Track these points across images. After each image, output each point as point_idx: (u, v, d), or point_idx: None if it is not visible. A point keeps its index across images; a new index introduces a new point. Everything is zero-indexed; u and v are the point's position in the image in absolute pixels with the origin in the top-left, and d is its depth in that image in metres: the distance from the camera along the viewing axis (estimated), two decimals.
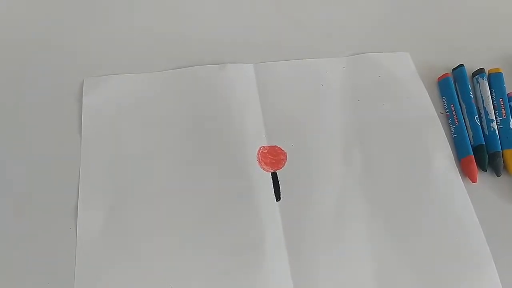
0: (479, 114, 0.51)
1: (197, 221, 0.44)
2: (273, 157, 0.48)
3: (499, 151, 0.48)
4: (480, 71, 0.54)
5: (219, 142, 0.49)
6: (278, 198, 0.46)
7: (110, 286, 0.41)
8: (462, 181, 0.47)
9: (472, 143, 0.49)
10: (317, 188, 0.46)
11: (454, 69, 0.54)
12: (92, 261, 0.42)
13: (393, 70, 0.54)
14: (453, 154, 0.49)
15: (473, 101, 0.52)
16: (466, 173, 0.48)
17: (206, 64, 0.54)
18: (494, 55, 0.56)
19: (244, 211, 0.45)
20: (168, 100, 0.51)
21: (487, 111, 0.51)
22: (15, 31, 0.57)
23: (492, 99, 0.51)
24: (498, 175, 0.47)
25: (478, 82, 0.53)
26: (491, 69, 0.54)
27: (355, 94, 0.53)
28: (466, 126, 0.50)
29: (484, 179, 0.47)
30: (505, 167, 0.48)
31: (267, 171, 0.47)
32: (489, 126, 0.50)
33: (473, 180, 0.47)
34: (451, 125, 0.51)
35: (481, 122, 0.50)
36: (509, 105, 0.51)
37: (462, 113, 0.51)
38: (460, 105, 0.52)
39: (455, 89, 0.53)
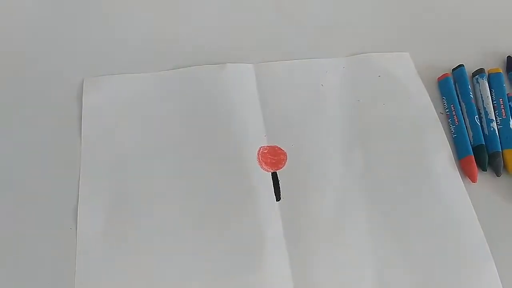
0: (479, 114, 0.51)
1: (197, 221, 0.44)
2: (273, 157, 0.48)
3: (499, 151, 0.48)
4: (480, 71, 0.54)
5: (219, 142, 0.49)
6: (278, 198, 0.46)
7: (110, 286, 0.41)
8: (462, 181, 0.47)
9: (472, 143, 0.49)
10: (317, 188, 0.46)
11: (454, 69, 0.54)
12: (92, 261, 0.42)
13: (393, 70, 0.54)
14: (453, 154, 0.49)
15: (473, 101, 0.52)
16: (466, 173, 0.48)
17: (206, 64, 0.54)
18: (494, 55, 0.56)
19: (244, 211, 0.45)
20: (168, 100, 0.51)
21: (487, 111, 0.51)
22: (15, 31, 0.57)
23: (492, 99, 0.51)
24: (498, 175, 0.47)
25: (478, 82, 0.53)
26: (490, 69, 0.54)
27: (355, 94, 0.53)
28: (466, 126, 0.50)
29: (484, 179, 0.47)
30: (505, 167, 0.48)
31: (267, 171, 0.47)
32: (489, 126, 0.50)
33: (473, 180, 0.47)
34: (451, 125, 0.51)
35: (481, 122, 0.50)
36: (509, 105, 0.51)
37: (462, 113, 0.51)
38: (460, 105, 0.52)
39: (455, 89, 0.53)
